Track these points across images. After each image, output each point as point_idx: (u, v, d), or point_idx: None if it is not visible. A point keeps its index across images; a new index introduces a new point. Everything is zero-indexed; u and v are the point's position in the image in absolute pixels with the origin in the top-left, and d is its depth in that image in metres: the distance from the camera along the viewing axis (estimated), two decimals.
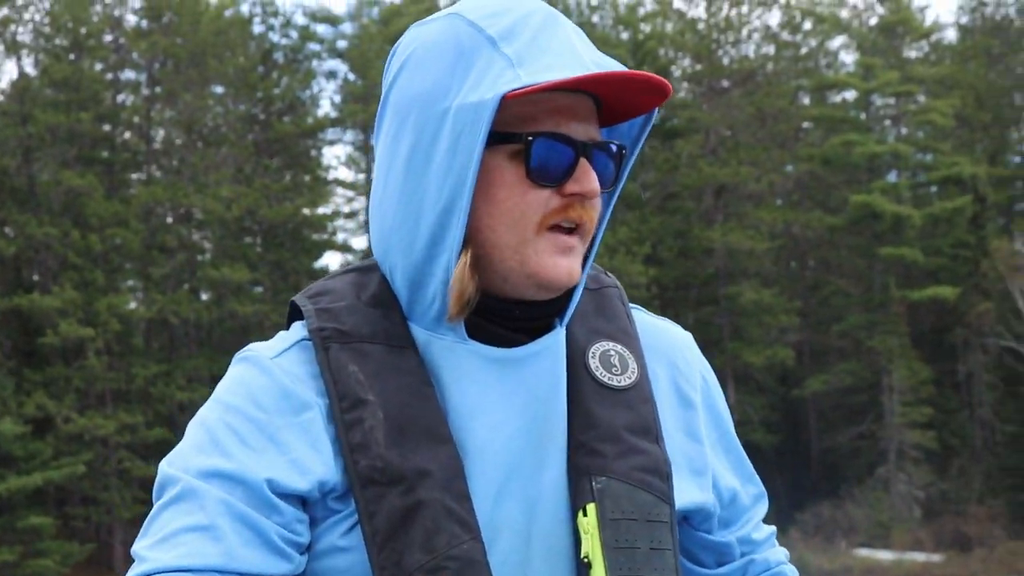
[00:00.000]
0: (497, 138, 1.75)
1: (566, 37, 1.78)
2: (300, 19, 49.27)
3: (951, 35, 59.26)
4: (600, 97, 1.82)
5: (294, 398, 1.77)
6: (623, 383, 1.87)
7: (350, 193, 49.64)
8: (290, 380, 1.78)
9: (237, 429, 1.75)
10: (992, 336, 47.12)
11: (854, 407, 47.53)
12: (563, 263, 1.77)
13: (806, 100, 54.04)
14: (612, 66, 1.77)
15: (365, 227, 48.41)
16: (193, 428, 1.79)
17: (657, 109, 1.85)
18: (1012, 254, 46.80)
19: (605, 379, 1.86)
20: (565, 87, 1.74)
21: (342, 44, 48.93)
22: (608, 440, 1.82)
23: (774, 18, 54.90)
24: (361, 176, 49.14)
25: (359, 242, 49.05)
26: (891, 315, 46.54)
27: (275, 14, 48.81)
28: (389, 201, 1.82)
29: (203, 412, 1.80)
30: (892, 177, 50.76)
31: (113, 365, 41.42)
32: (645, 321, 2.02)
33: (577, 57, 1.76)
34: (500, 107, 1.72)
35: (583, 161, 1.76)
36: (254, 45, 48.35)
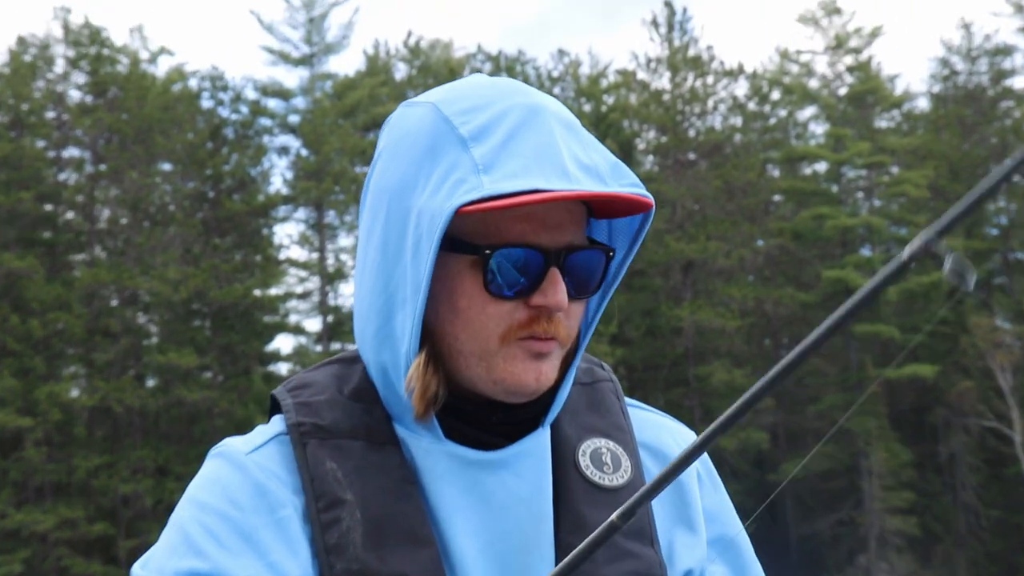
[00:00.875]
0: (457, 246, 1.74)
1: (547, 135, 1.74)
2: (251, 93, 49.34)
3: (923, 104, 59.95)
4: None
5: (270, 496, 1.76)
6: (615, 482, 1.85)
7: (303, 273, 49.62)
8: (266, 477, 1.78)
9: (213, 529, 1.73)
10: (974, 416, 47.32)
11: (832, 492, 47.50)
12: (532, 368, 1.76)
13: (775, 172, 54.55)
14: (586, 177, 1.73)
15: (319, 308, 48.36)
16: (167, 530, 1.77)
17: (652, 209, 1.81)
18: (992, 330, 47.10)
19: (596, 478, 1.85)
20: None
21: (294, 119, 49.10)
22: None
23: (741, 88, 55.52)
24: (315, 255, 49.11)
25: (312, 324, 49.05)
26: (868, 395, 46.70)
27: (225, 88, 49.01)
28: (362, 292, 1.83)
29: (177, 512, 1.78)
30: (866, 251, 51.20)
31: (53, 456, 40.97)
32: (641, 417, 2.01)
33: (554, 162, 1.72)
34: (464, 212, 1.71)
35: (552, 272, 1.73)
36: (203, 120, 48.46)
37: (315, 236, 49.25)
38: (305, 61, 49.59)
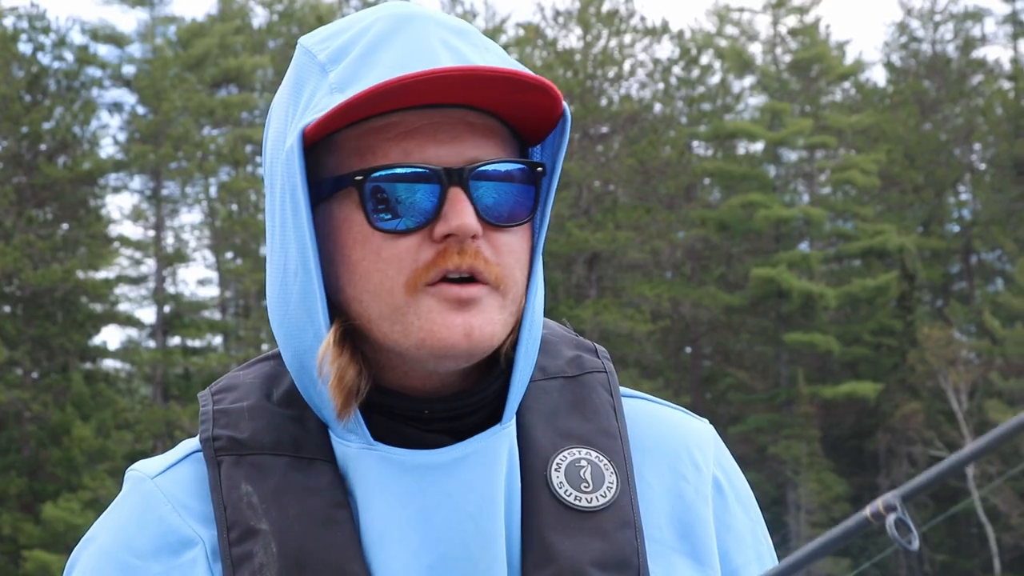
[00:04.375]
0: (333, 184, 1.73)
1: (419, 40, 1.74)
2: (77, 37, 48.94)
3: (878, 76, 60.70)
4: (496, 112, 1.77)
5: (173, 534, 1.76)
6: (594, 503, 1.79)
7: (136, 254, 49.35)
8: (171, 508, 1.78)
9: None
10: (920, 443, 47.86)
11: None
12: (457, 321, 1.70)
13: (702, 151, 54.97)
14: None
15: (154, 296, 48.15)
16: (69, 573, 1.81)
17: (566, 111, 1.79)
18: (946, 344, 47.57)
19: (570, 498, 1.78)
20: (395, 104, 1.69)
21: (129, 70, 48.84)
22: None
23: (664, 51, 55.85)
24: (151, 233, 48.88)
25: (147, 314, 48.76)
26: (799, 415, 47.18)
27: (46, 31, 48.39)
28: (269, 276, 1.82)
29: (81, 558, 1.81)
30: (803, 247, 51.71)
31: None
32: (642, 413, 1.94)
33: (424, 61, 1.71)
34: (335, 145, 1.73)
35: (454, 192, 1.69)
36: (19, 68, 47.96)
37: (152, 210, 49.02)
38: (144, 1, 49.41)
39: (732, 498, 1.93)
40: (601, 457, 1.83)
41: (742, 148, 54.61)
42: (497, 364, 1.80)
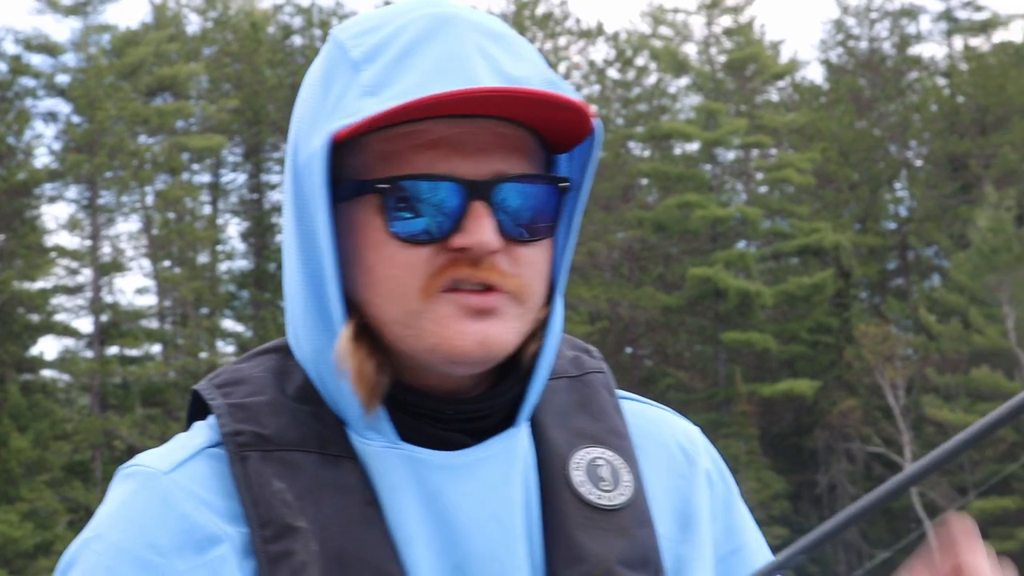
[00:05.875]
0: (355, 188, 1.73)
1: (456, 44, 1.73)
2: (10, 47, 48.92)
3: (816, 75, 61.20)
4: (526, 123, 1.76)
5: (198, 531, 1.70)
6: (615, 501, 1.81)
7: (74, 263, 49.14)
8: (192, 505, 1.72)
9: None
10: (858, 440, 48.22)
11: None
12: (473, 329, 1.70)
13: (638, 152, 55.37)
14: (502, 83, 1.71)
15: (90, 306, 48.06)
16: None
17: (598, 128, 1.79)
18: (883, 340, 47.93)
19: (593, 497, 1.80)
20: (428, 113, 1.69)
21: (63, 79, 48.70)
22: None
23: (600, 52, 56.22)
24: (87, 242, 48.74)
25: (84, 324, 48.81)
26: (737, 414, 47.54)
27: None
28: (287, 275, 1.83)
29: (86, 555, 1.72)
30: (740, 246, 52.17)
31: None
32: (636, 412, 1.96)
33: (462, 72, 1.71)
34: (360, 147, 1.73)
35: (476, 206, 1.69)
36: None
37: (88, 220, 48.81)
38: (77, 10, 49.05)
39: (730, 485, 1.97)
40: (616, 456, 1.85)
41: (678, 148, 54.81)
42: (514, 368, 1.80)
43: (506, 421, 1.80)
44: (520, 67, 1.73)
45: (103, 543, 1.69)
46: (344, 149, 1.72)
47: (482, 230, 1.67)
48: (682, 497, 1.89)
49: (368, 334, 1.73)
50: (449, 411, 1.76)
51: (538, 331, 1.79)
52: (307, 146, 1.74)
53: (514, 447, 1.78)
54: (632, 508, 1.80)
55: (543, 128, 1.76)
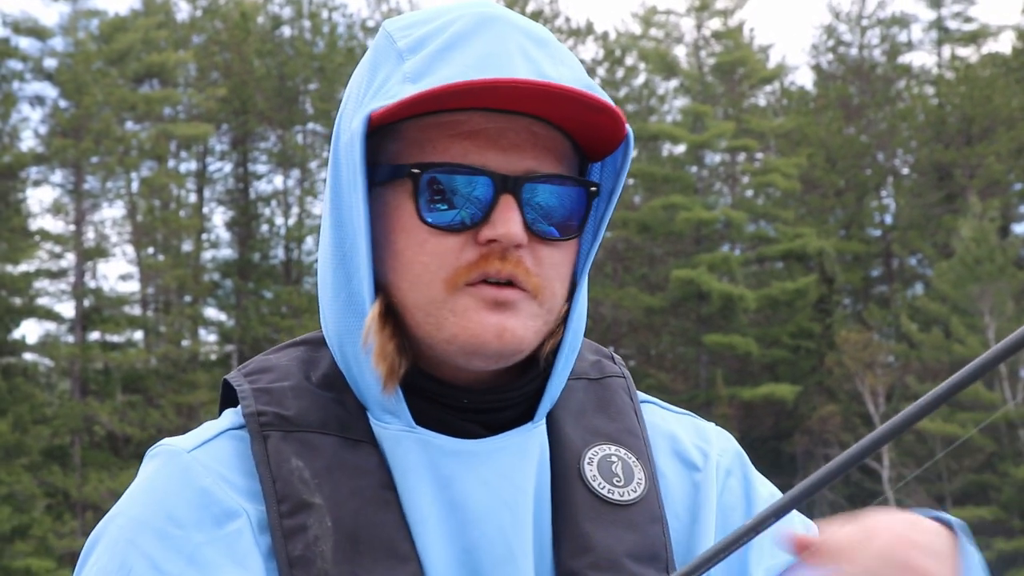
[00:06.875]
0: (391, 172, 1.79)
1: (497, 43, 1.79)
2: None
3: (805, 80, 61.33)
4: (561, 125, 1.82)
5: (216, 505, 1.76)
6: (627, 497, 1.86)
7: (57, 248, 49.00)
8: (212, 480, 1.78)
9: (148, 552, 1.74)
10: (838, 446, 48.20)
11: None
12: (491, 320, 1.75)
13: None
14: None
15: (73, 291, 48.06)
16: (97, 552, 1.79)
17: (630, 135, 1.85)
18: (864, 347, 48.16)
19: (604, 491, 1.85)
20: (464, 103, 1.75)
21: (51, 63, 48.65)
22: (606, 568, 1.82)
23: (588, 52, 56.28)
24: (71, 227, 48.70)
25: (66, 309, 48.75)
26: (718, 417, 47.46)
27: None
28: (322, 255, 1.89)
29: (109, 529, 1.79)
30: (724, 249, 52.27)
31: None
32: (657, 416, 2.03)
33: (499, 67, 1.76)
34: (398, 133, 1.80)
35: (505, 199, 1.74)
36: None
37: (72, 204, 48.74)
38: None
39: (749, 473, 2.03)
40: (629, 454, 1.89)
41: (665, 150, 54.94)
42: (534, 366, 1.86)
43: (524, 417, 1.85)
44: (559, 70, 1.79)
45: (125, 518, 1.77)
46: (384, 135, 1.80)
47: (509, 223, 1.72)
48: (696, 488, 1.96)
49: (393, 317, 1.80)
50: (465, 400, 1.82)
51: (557, 332, 1.86)
52: (348, 129, 1.81)
53: (529, 441, 1.84)
54: (643, 504, 1.86)
55: (578, 133, 1.82)
